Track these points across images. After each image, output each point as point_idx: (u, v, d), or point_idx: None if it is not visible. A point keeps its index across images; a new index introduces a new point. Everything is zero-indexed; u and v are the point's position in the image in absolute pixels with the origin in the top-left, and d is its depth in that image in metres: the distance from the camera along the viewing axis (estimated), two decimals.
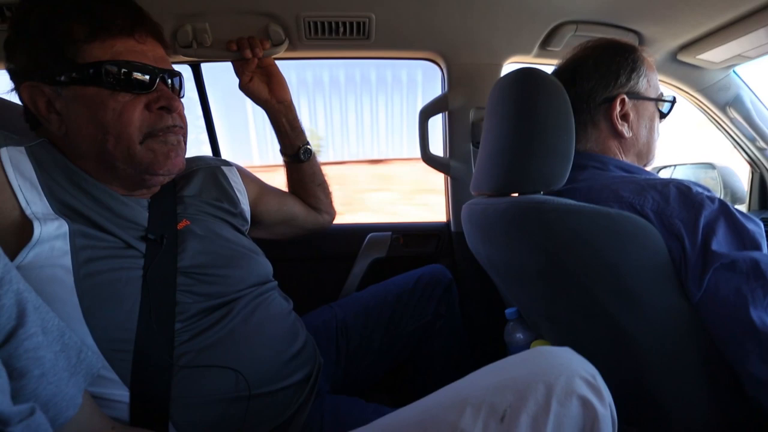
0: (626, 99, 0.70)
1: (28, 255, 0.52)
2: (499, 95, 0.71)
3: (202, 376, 0.60)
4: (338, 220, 1.11)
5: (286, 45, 1.00)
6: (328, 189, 1.05)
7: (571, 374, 0.42)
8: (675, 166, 1.60)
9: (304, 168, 0.98)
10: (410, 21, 1.02)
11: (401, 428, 0.45)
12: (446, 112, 1.21)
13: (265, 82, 0.94)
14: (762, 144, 1.34)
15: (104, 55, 0.60)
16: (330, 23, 0.99)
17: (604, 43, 0.74)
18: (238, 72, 0.93)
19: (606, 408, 0.42)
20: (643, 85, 0.72)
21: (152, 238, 0.64)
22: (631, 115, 0.71)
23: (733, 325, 0.52)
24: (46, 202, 0.57)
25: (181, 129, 0.69)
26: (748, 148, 1.38)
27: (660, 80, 1.21)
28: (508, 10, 0.98)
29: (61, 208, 0.58)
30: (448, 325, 1.03)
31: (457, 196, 1.25)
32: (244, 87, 0.93)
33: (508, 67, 1.18)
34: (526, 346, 0.84)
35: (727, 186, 1.36)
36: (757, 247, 0.53)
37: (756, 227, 0.54)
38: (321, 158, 1.04)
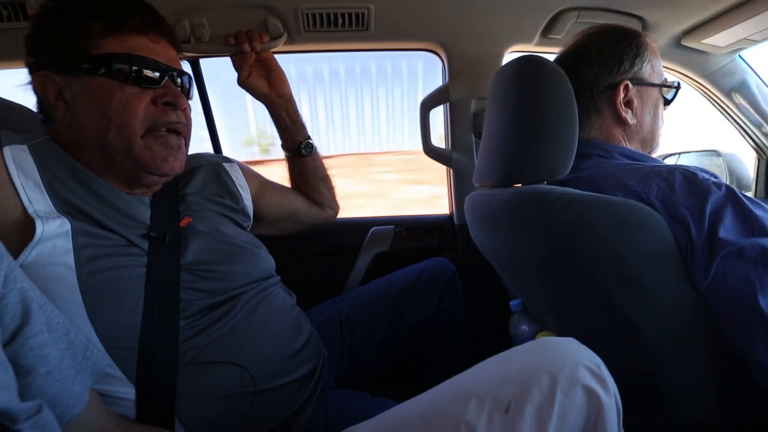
0: (630, 85, 0.69)
1: (30, 253, 0.53)
2: (501, 85, 0.70)
3: (206, 372, 0.61)
4: (342, 214, 1.10)
5: (284, 38, 0.99)
6: (330, 183, 1.04)
7: (575, 364, 0.42)
8: (680, 154, 1.58)
9: (305, 162, 0.98)
10: (410, 11, 1.01)
11: (406, 422, 0.45)
12: (448, 104, 1.20)
13: (264, 76, 0.93)
14: None
15: (117, 49, 0.62)
16: (328, 15, 0.98)
17: (606, 29, 0.73)
18: (237, 66, 0.93)
19: (611, 398, 0.42)
20: (647, 71, 0.71)
21: (155, 235, 0.64)
22: (635, 102, 0.70)
23: (741, 314, 0.51)
24: (49, 200, 0.57)
25: (185, 127, 0.69)
26: (754, 134, 1.36)
27: (664, 66, 1.19)
28: None
29: (64, 206, 0.58)
30: (452, 317, 1.03)
31: (459, 188, 1.24)
32: (243, 82, 0.92)
33: (510, 56, 1.16)
34: (531, 338, 0.84)
35: (732, 173, 1.35)
36: (766, 233, 0.52)
37: (764, 213, 0.54)
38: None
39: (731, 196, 0.54)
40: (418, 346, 1.03)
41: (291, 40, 1.04)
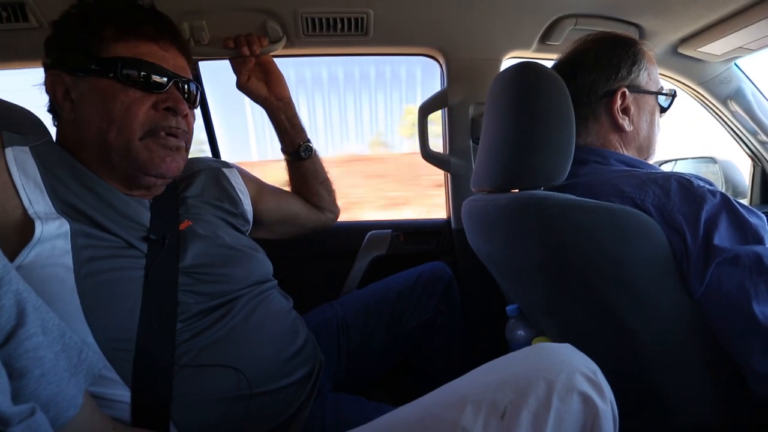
0: (627, 92, 0.70)
1: (29, 254, 0.52)
2: (499, 90, 0.71)
3: (203, 375, 0.60)
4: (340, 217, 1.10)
5: (283, 42, 1.00)
6: (330, 186, 1.04)
7: (571, 370, 0.42)
8: (676, 160, 1.59)
9: (305, 166, 0.98)
10: (409, 16, 1.01)
11: (402, 426, 0.45)
12: (446, 108, 1.20)
13: (264, 79, 0.93)
14: (763, 137, 1.33)
15: (126, 54, 0.64)
16: (328, 19, 0.98)
17: (604, 37, 0.74)
18: (236, 70, 0.93)
19: (607, 404, 0.42)
20: (643, 79, 0.72)
21: (154, 238, 0.64)
22: (632, 109, 0.71)
23: (735, 320, 0.51)
24: (49, 201, 0.57)
25: (185, 134, 0.70)
26: (750, 141, 1.37)
27: (660, 74, 1.20)
28: (507, 4, 0.98)
29: (64, 207, 0.58)
30: (449, 322, 1.03)
31: (457, 192, 1.24)
32: (242, 86, 0.93)
33: (508, 62, 1.17)
34: (528, 343, 0.84)
35: (728, 180, 1.35)
36: (760, 241, 0.52)
37: (759, 221, 0.54)
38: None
39: (726, 204, 0.54)
40: (415, 351, 1.03)
41: (290, 44, 1.04)
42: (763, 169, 1.43)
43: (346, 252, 1.28)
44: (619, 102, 0.70)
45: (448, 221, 1.32)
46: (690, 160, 1.53)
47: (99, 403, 0.53)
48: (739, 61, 1.22)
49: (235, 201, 0.82)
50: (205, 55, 1.01)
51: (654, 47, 1.11)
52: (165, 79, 0.66)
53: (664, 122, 0.79)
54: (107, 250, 0.59)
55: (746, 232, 0.53)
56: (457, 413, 0.41)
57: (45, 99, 0.68)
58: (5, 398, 0.36)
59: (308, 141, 0.98)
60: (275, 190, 0.98)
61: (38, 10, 0.87)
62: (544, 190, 0.64)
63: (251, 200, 0.88)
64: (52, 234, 0.54)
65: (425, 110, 1.19)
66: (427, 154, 1.22)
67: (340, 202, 1.07)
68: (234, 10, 0.95)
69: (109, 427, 0.51)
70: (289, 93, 0.96)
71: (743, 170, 1.42)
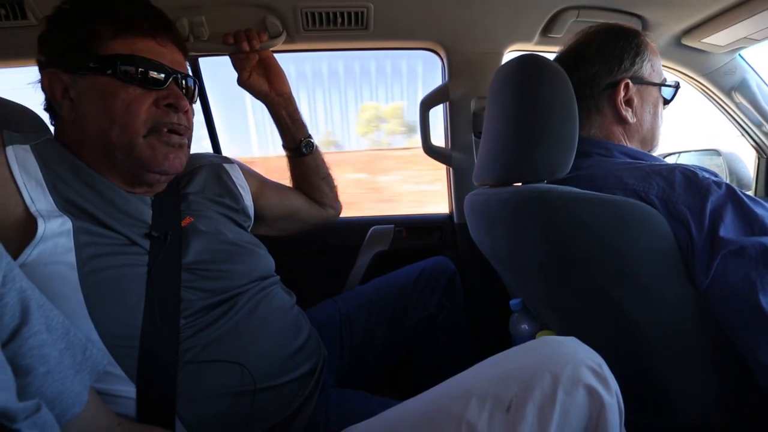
0: (630, 84, 0.69)
1: (32, 252, 0.53)
2: (501, 83, 0.70)
3: (207, 370, 0.61)
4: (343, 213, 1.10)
5: (283, 37, 0.99)
6: (332, 182, 1.04)
7: (577, 363, 0.42)
8: (680, 153, 1.58)
9: (306, 161, 0.98)
10: (409, 10, 1.00)
11: (406, 421, 0.45)
12: (447, 103, 1.19)
13: (264, 75, 0.93)
14: None
15: (124, 50, 0.63)
16: (328, 14, 0.97)
17: (606, 28, 0.73)
18: (237, 66, 0.93)
19: (612, 397, 0.42)
20: (646, 70, 0.71)
21: (156, 235, 0.65)
22: (635, 101, 0.70)
23: (741, 312, 0.51)
24: (51, 199, 0.57)
25: (187, 129, 0.70)
26: (754, 133, 1.36)
27: (664, 65, 1.19)
28: None
29: (65, 205, 0.58)
30: (452, 316, 1.03)
31: (459, 187, 1.24)
32: (243, 82, 0.92)
33: (510, 55, 1.16)
34: (531, 337, 0.84)
35: (732, 172, 1.35)
36: (766, 232, 0.52)
37: (765, 212, 0.53)
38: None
39: (731, 195, 0.54)
40: (419, 345, 1.03)
41: (290, 39, 1.04)
42: (767, 161, 1.41)
43: (348, 247, 1.28)
44: (622, 93, 0.69)
45: (450, 216, 1.32)
46: (694, 152, 1.53)
47: (104, 400, 0.53)
48: (743, 52, 1.20)
49: (236, 197, 0.82)
50: (204, 51, 1.01)
51: (657, 38, 1.10)
52: (164, 75, 0.65)
53: (667, 114, 0.78)
54: (110, 248, 0.59)
55: (752, 224, 0.52)
56: (461, 407, 0.41)
57: (41, 97, 0.67)
58: (11, 395, 0.36)
59: (309, 137, 0.97)
60: (276, 186, 0.98)
61: (37, 8, 0.86)
62: (547, 183, 0.64)
63: (252, 196, 0.88)
64: (55, 232, 0.54)
65: (427, 105, 1.18)
66: (429, 149, 1.21)
67: None
68: (233, 5, 0.94)
69: (114, 423, 0.51)
70: (289, 88, 0.95)
71: (748, 162, 1.42)
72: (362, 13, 0.98)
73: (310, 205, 1.01)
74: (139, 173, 0.66)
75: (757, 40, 1.08)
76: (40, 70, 0.65)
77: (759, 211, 0.53)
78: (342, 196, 1.07)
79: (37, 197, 0.56)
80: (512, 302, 0.88)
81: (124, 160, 0.64)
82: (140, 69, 0.63)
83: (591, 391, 0.41)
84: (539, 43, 1.13)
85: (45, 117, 0.72)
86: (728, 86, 1.27)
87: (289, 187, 1.02)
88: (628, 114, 0.70)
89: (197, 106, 1.23)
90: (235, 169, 0.87)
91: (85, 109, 0.63)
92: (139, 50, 0.64)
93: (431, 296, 1.01)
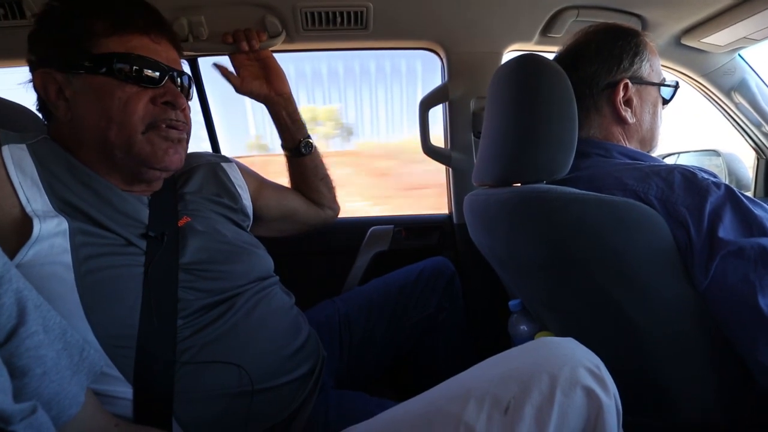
0: (629, 84, 0.69)
1: (28, 253, 0.52)
2: (500, 83, 0.70)
3: (205, 371, 0.60)
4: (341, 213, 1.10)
5: (283, 37, 0.99)
6: (331, 183, 1.04)
7: (575, 365, 0.42)
8: (679, 153, 1.58)
9: (305, 162, 0.98)
10: (408, 10, 1.00)
11: (405, 421, 0.45)
12: (447, 103, 1.19)
13: (263, 75, 0.93)
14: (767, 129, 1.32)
15: (119, 48, 0.62)
16: (327, 13, 0.97)
17: (606, 28, 0.73)
18: (236, 66, 0.92)
19: (610, 398, 0.41)
20: (646, 70, 0.71)
21: (153, 235, 0.64)
22: (635, 101, 0.70)
23: (740, 313, 0.51)
24: (47, 199, 0.57)
25: (185, 125, 0.69)
26: (754, 133, 1.36)
27: (663, 66, 1.19)
28: None
29: (62, 205, 0.58)
30: (451, 317, 1.03)
31: (459, 187, 1.24)
32: (241, 89, 0.92)
33: (509, 55, 1.16)
34: (530, 338, 0.84)
35: (732, 173, 1.34)
36: (765, 233, 0.52)
37: (764, 213, 0.53)
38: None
39: (730, 196, 0.54)
40: (418, 346, 1.03)
41: (290, 39, 1.04)
42: (766, 162, 1.41)
43: (348, 248, 1.28)
44: (621, 93, 0.69)
45: (449, 216, 1.32)
46: (693, 152, 1.53)
47: (101, 400, 0.53)
48: (743, 52, 1.20)
49: (234, 196, 0.82)
50: (204, 50, 1.01)
51: (656, 38, 1.10)
52: (159, 73, 0.65)
53: (666, 114, 0.78)
54: (106, 248, 0.59)
55: (751, 225, 0.52)
56: (460, 408, 0.41)
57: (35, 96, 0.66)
58: (6, 396, 0.36)
59: (308, 137, 0.97)
60: (275, 186, 0.98)
61: (35, 8, 0.86)
62: (546, 183, 0.64)
63: (251, 196, 0.88)
64: (51, 232, 0.54)
65: (426, 105, 1.18)
66: (428, 149, 1.21)
67: None
68: (232, 5, 0.94)
69: (111, 425, 0.51)
70: (289, 88, 0.95)
71: (747, 163, 1.41)
72: (361, 12, 0.98)
73: (309, 206, 1.01)
74: (139, 170, 0.66)
75: (756, 40, 1.07)
76: (31, 70, 0.65)
77: (757, 212, 0.53)
78: None
79: (33, 197, 0.56)
80: (511, 303, 0.87)
81: (124, 158, 0.63)
82: (135, 67, 0.62)
83: (589, 393, 0.41)
84: (539, 42, 1.13)
85: None
86: (727, 86, 1.27)
87: (287, 188, 1.01)
88: (628, 114, 0.70)
89: (197, 107, 1.24)
90: (233, 168, 0.87)
91: (82, 109, 0.62)
92: (134, 48, 0.63)
93: (430, 297, 1.01)
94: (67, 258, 0.54)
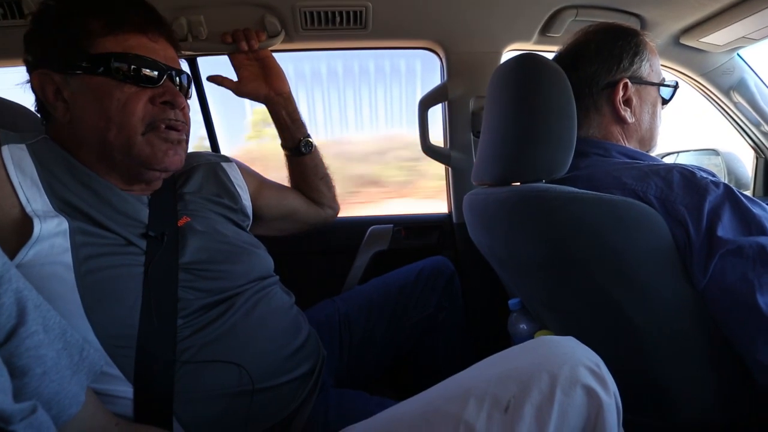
0: (629, 84, 0.69)
1: (28, 252, 0.52)
2: (499, 83, 0.70)
3: (205, 371, 0.60)
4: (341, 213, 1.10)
5: (282, 36, 0.99)
6: (331, 182, 1.04)
7: (575, 363, 0.42)
8: (678, 152, 1.58)
9: (305, 161, 0.98)
10: (407, 9, 1.00)
11: (405, 421, 0.45)
12: (446, 102, 1.19)
13: (262, 75, 0.93)
14: (766, 128, 1.32)
15: (116, 48, 0.62)
16: (326, 13, 0.97)
17: (605, 27, 0.73)
18: (236, 66, 0.92)
19: (611, 397, 0.42)
20: (645, 70, 0.71)
21: (153, 235, 0.64)
22: (634, 101, 0.70)
23: (739, 312, 0.51)
24: (47, 199, 0.57)
25: (184, 125, 0.69)
26: (753, 133, 1.36)
27: (662, 65, 1.19)
28: None
29: (61, 205, 0.58)
30: (451, 316, 1.03)
31: (458, 186, 1.24)
32: (241, 91, 0.92)
33: (508, 54, 1.16)
34: (530, 337, 0.84)
35: (731, 172, 1.35)
36: (764, 232, 0.52)
37: (762, 212, 0.54)
38: None
39: (729, 195, 0.54)
40: (418, 345, 1.03)
41: (289, 39, 1.04)
42: (766, 161, 1.42)
43: (347, 247, 1.28)
44: (621, 93, 0.69)
45: (449, 215, 1.32)
46: (692, 152, 1.53)
47: (102, 400, 0.53)
48: (742, 52, 1.20)
49: (234, 196, 0.82)
50: (203, 50, 1.01)
51: (656, 38, 1.10)
52: (158, 72, 0.65)
53: (666, 114, 0.78)
54: (106, 248, 0.59)
55: (750, 224, 0.52)
56: (460, 407, 0.41)
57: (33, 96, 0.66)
58: (6, 396, 0.36)
59: (308, 136, 0.97)
60: (275, 186, 0.98)
61: (35, 8, 0.86)
62: (545, 183, 0.64)
63: (251, 195, 0.88)
64: (51, 232, 0.54)
65: (425, 104, 1.18)
66: (428, 148, 1.21)
67: None
68: (232, 4, 0.94)
69: (111, 424, 0.51)
70: (289, 88, 0.95)
71: (746, 162, 1.42)
72: (361, 12, 0.98)
73: (309, 205, 1.01)
74: (138, 171, 0.66)
75: (755, 40, 1.08)
76: (29, 71, 0.64)
77: (756, 211, 0.53)
78: None
79: (33, 197, 0.56)
80: (511, 302, 0.88)
81: (123, 159, 0.63)
82: (133, 66, 0.62)
83: (589, 391, 0.41)
84: (538, 42, 1.13)
85: None
86: (726, 86, 1.27)
87: (287, 187, 1.01)
88: (627, 114, 0.70)
89: (196, 106, 1.24)
90: (233, 167, 0.87)
91: (80, 110, 0.62)
92: (132, 47, 0.63)
93: (430, 296, 1.01)
94: (68, 258, 0.54)
